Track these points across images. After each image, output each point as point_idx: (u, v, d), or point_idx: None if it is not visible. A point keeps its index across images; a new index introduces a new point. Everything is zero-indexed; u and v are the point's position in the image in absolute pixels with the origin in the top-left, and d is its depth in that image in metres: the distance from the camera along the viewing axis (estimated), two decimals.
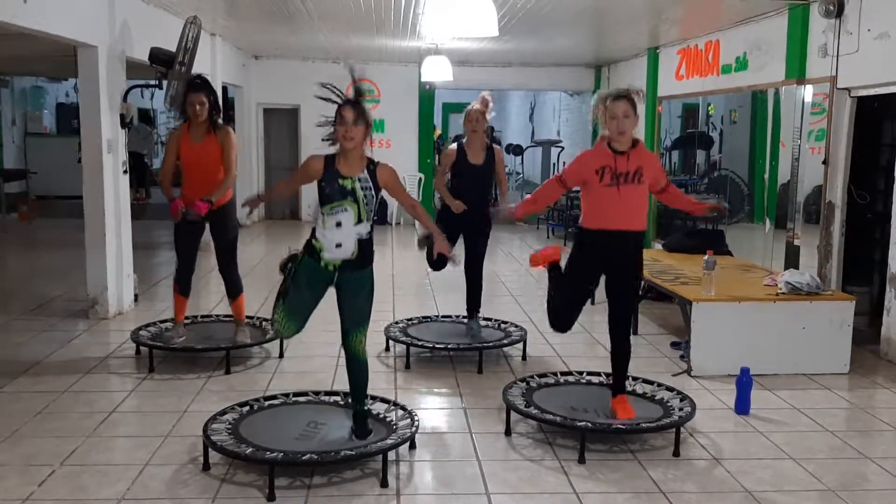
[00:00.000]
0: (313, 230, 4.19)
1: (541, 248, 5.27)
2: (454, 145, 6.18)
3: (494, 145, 6.22)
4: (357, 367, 4.29)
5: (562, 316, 4.82)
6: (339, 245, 4.10)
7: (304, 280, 4.18)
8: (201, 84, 5.79)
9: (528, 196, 4.93)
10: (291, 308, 4.20)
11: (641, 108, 4.62)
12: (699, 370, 5.71)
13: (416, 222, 12.14)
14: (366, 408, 4.35)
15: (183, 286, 6.00)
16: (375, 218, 4.24)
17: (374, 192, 4.12)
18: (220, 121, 5.88)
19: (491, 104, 6.08)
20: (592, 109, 4.54)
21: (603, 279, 4.67)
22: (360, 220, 4.10)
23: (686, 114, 11.44)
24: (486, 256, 6.42)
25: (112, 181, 7.04)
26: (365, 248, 4.16)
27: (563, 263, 4.89)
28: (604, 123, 4.44)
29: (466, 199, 6.05)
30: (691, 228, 9.86)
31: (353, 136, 4.02)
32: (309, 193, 4.37)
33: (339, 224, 4.08)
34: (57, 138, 16.81)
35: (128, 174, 7.46)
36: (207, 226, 5.91)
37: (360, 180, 4.09)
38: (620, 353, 4.66)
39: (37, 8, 5.67)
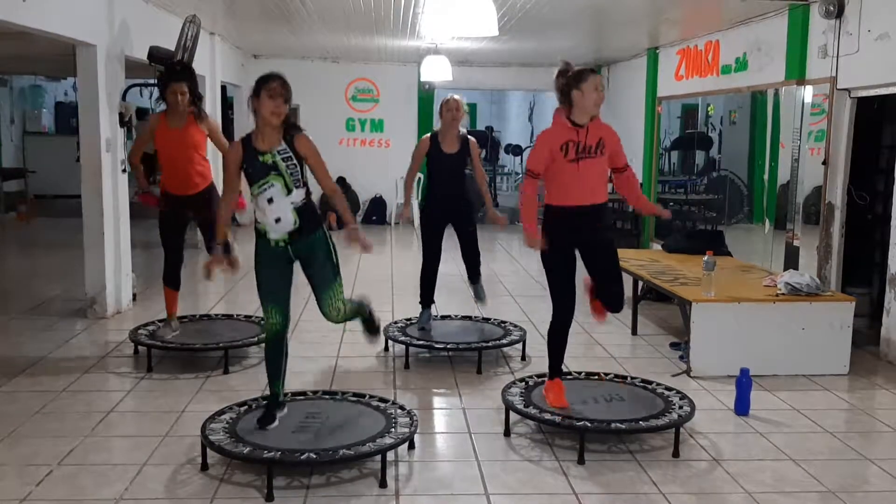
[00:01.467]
0: (254, 217, 4.24)
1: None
2: (427, 136, 6.22)
3: (470, 137, 6.21)
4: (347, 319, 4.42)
5: (566, 300, 4.71)
6: (278, 220, 4.13)
7: (265, 265, 4.23)
8: (181, 71, 5.77)
9: (524, 213, 4.63)
10: (265, 292, 4.24)
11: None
12: (699, 371, 5.70)
13: (416, 221, 12.14)
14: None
15: (172, 279, 6.03)
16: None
17: (296, 161, 4.12)
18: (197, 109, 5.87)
19: (463, 106, 6.13)
20: (555, 82, 4.55)
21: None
22: (289, 191, 4.11)
23: (685, 114, 11.43)
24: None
25: (111, 180, 7.03)
26: (305, 214, 4.17)
27: None
28: (560, 99, 4.49)
29: (443, 188, 6.11)
30: (691, 229, 9.87)
31: (281, 112, 4.06)
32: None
33: (270, 200, 4.10)
34: (56, 137, 16.78)
35: (126, 172, 7.45)
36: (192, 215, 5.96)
37: (278, 152, 4.10)
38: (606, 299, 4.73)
39: (36, 6, 5.66)
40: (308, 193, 4.21)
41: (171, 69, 5.85)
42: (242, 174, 4.18)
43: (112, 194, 7.08)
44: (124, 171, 7.32)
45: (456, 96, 6.13)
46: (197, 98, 5.82)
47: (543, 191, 4.59)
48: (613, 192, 5.35)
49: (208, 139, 5.98)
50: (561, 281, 4.65)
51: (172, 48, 7.26)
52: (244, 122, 13.40)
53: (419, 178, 14.26)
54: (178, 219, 6.02)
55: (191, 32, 7.22)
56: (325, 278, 4.27)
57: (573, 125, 4.46)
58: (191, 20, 7.23)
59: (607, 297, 4.77)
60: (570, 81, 4.45)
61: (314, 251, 4.24)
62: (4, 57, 11.75)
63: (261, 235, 4.22)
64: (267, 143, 4.11)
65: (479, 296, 6.53)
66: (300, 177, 4.15)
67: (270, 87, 4.05)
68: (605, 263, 4.68)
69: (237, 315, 6.68)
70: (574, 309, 4.72)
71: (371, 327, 4.88)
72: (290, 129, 4.15)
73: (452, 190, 6.13)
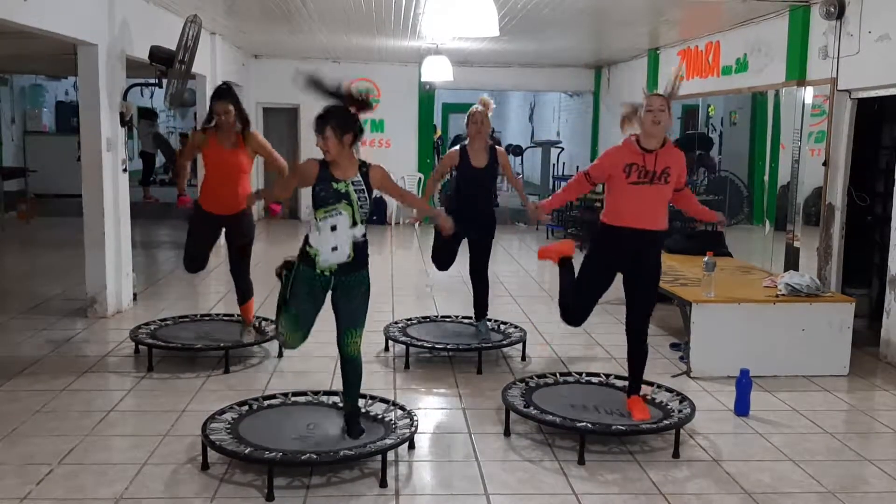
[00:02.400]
0: (306, 237, 4.20)
1: (554, 242, 5.29)
2: (456, 148, 6.12)
3: (497, 146, 6.16)
4: (351, 368, 4.32)
5: (574, 311, 4.81)
6: (335, 248, 4.11)
7: (303, 291, 4.19)
8: (226, 91, 5.75)
9: (558, 191, 4.94)
10: (294, 318, 4.23)
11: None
12: (699, 371, 5.70)
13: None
14: (358, 407, 4.36)
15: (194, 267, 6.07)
16: (374, 218, 4.27)
17: (367, 195, 4.15)
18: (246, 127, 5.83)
19: (492, 105, 6.07)
20: (622, 110, 4.59)
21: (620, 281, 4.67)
22: (354, 223, 4.12)
23: (686, 115, 11.43)
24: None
25: (111, 180, 7.03)
26: (360, 250, 4.18)
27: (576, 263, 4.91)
28: (628, 123, 4.51)
29: (471, 202, 6.02)
30: (691, 230, 9.86)
31: (326, 149, 4.06)
32: (307, 194, 4.37)
33: (334, 228, 4.09)
34: (56, 137, 16.76)
35: (127, 172, 7.46)
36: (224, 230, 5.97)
37: (353, 183, 4.11)
38: (636, 355, 4.70)
39: (37, 6, 5.66)
40: (366, 232, 4.21)
41: (217, 90, 5.83)
42: (311, 194, 4.16)
43: (113, 194, 7.09)
44: (125, 170, 7.33)
45: (479, 107, 5.97)
46: (242, 118, 5.76)
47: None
48: None
49: (255, 159, 5.96)
50: (585, 286, 4.68)
51: (173, 48, 7.26)
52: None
53: (419, 179, 14.35)
54: (212, 235, 6.02)
55: (192, 32, 7.23)
56: (356, 316, 4.24)
57: (641, 149, 4.43)
58: (192, 20, 7.23)
59: (628, 322, 4.69)
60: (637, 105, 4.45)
61: (357, 288, 4.22)
62: (5, 56, 11.75)
63: (308, 261, 4.17)
64: (343, 172, 4.11)
65: (483, 335, 6.24)
66: (367, 213, 4.17)
67: (316, 126, 4.06)
68: (643, 292, 4.61)
69: (238, 315, 6.67)
70: (580, 320, 4.79)
71: (354, 423, 4.37)
72: (361, 165, 4.17)
73: (479, 204, 6.04)
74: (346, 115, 4.09)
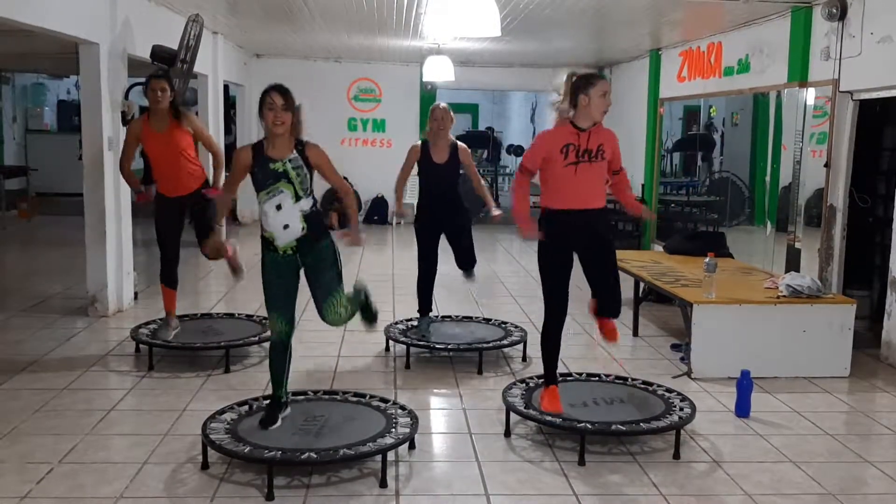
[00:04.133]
0: (260, 226, 4.25)
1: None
2: (419, 142, 6.18)
3: (459, 143, 6.18)
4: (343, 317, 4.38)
5: (555, 304, 4.69)
6: (286, 226, 4.16)
7: (271, 274, 4.25)
8: (164, 73, 5.87)
9: (517, 208, 4.67)
10: (273, 304, 4.26)
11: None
12: (699, 372, 5.70)
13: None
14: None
15: (169, 279, 6.08)
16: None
17: (306, 170, 4.18)
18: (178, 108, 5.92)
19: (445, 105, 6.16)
20: (564, 84, 4.54)
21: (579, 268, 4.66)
22: (298, 198, 4.15)
23: (688, 116, 11.43)
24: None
25: (113, 179, 7.03)
26: (313, 221, 4.21)
27: None
28: (567, 101, 4.46)
29: (436, 198, 6.07)
30: (692, 231, 9.87)
31: (283, 121, 4.09)
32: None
33: (279, 207, 4.14)
34: (58, 135, 16.79)
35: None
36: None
37: (290, 161, 4.15)
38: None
39: (39, 5, 5.67)
40: (315, 202, 4.25)
41: (153, 72, 5.93)
42: (251, 178, 4.21)
43: (114, 192, 7.09)
44: None
45: (443, 104, 6.11)
46: (176, 104, 5.84)
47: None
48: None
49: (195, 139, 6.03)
50: (553, 282, 4.64)
51: (175, 47, 7.27)
52: (245, 121, 13.45)
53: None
54: (174, 220, 6.05)
55: (193, 31, 7.23)
56: (329, 286, 4.29)
57: (575, 128, 4.44)
58: (194, 19, 7.24)
59: (604, 303, 4.72)
60: (578, 84, 4.43)
61: (321, 259, 4.26)
62: (7, 54, 11.77)
63: (268, 245, 4.23)
64: (279, 152, 4.14)
65: (469, 276, 6.43)
66: (309, 186, 4.20)
67: (268, 99, 4.09)
68: (603, 268, 4.64)
69: (238, 314, 6.69)
70: (566, 312, 4.71)
71: (369, 315, 4.84)
72: (297, 143, 4.19)
73: (443, 198, 6.08)
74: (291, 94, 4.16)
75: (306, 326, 6.71)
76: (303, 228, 4.17)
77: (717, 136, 10.62)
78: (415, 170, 6.22)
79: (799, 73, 7.46)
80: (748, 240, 8.75)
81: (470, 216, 6.29)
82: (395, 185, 6.37)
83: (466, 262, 6.33)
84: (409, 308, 7.56)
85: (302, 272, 4.31)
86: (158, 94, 5.75)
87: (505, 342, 6.10)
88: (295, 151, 4.17)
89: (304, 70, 13.78)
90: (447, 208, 6.08)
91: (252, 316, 6.55)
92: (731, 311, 5.70)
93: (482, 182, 6.40)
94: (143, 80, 8.03)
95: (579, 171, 4.43)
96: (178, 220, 6.07)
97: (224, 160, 6.06)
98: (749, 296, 5.86)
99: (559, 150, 4.43)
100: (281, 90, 4.11)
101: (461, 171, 6.16)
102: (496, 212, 6.31)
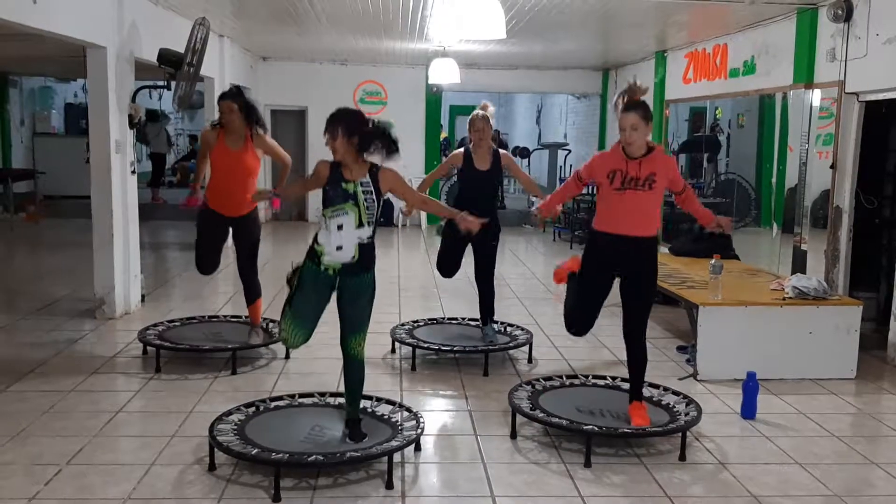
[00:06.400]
0: (316, 234, 4.23)
1: (562, 262, 5.29)
2: (461, 149, 6.17)
3: (501, 150, 6.18)
4: (353, 371, 4.33)
5: (576, 318, 4.83)
6: (339, 248, 4.14)
7: (307, 284, 4.22)
8: (232, 92, 5.81)
9: (554, 192, 4.98)
10: (297, 313, 4.23)
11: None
12: (705, 374, 5.70)
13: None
14: (359, 413, 4.36)
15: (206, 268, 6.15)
16: (382, 220, 4.28)
17: (374, 197, 4.17)
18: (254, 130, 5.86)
19: (491, 108, 6.10)
20: (614, 104, 4.58)
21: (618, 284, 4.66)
22: (360, 225, 4.14)
23: (693, 117, 11.42)
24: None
25: (120, 181, 7.06)
26: (365, 252, 4.19)
27: None
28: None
29: (473, 205, 6.00)
30: (698, 233, 9.84)
31: (335, 149, 4.12)
32: (316, 197, 4.42)
33: (340, 227, 4.13)
34: (65, 138, 16.84)
35: (136, 174, 7.48)
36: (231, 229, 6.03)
37: (361, 184, 4.14)
38: (633, 361, 4.65)
39: (46, 8, 5.70)
40: (374, 235, 4.22)
41: (225, 91, 5.91)
42: (322, 193, 4.21)
43: (121, 195, 7.12)
44: (133, 172, 7.36)
45: (481, 112, 6.01)
46: (250, 121, 5.78)
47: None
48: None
49: (263, 159, 6.03)
50: (584, 297, 4.68)
51: (182, 50, 7.29)
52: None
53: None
54: (220, 235, 6.08)
55: (200, 35, 7.25)
56: (361, 319, 4.26)
57: (626, 156, 4.42)
58: (200, 22, 7.25)
59: (626, 325, 4.63)
60: (617, 104, 4.46)
61: (362, 291, 4.23)
62: (15, 58, 11.83)
63: (314, 258, 4.21)
64: (352, 174, 4.15)
65: (490, 338, 6.21)
66: (374, 215, 4.19)
67: (326, 131, 4.12)
68: (636, 299, 4.57)
69: (245, 317, 6.69)
70: (584, 329, 4.80)
71: (355, 427, 4.36)
72: (371, 167, 4.20)
73: (481, 207, 6.04)
74: (354, 117, 4.15)
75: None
76: (353, 256, 4.16)
77: (722, 138, 10.62)
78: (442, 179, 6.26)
79: (805, 75, 7.45)
80: (754, 241, 8.74)
81: (499, 229, 6.14)
82: (424, 181, 6.48)
83: (486, 269, 6.21)
84: (414, 310, 7.58)
85: (334, 294, 4.27)
86: (226, 115, 5.70)
87: (511, 344, 6.09)
88: (368, 175, 4.17)
89: (311, 73, 13.82)
90: (483, 215, 6.01)
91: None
92: (737, 312, 5.70)
93: (529, 177, 6.39)
94: (149, 83, 8.11)
95: (626, 198, 4.40)
96: (224, 237, 6.10)
97: (289, 165, 6.06)
98: (755, 297, 5.86)
99: (605, 174, 4.43)
100: (327, 123, 4.12)
101: (504, 178, 6.16)
102: (540, 203, 6.23)
